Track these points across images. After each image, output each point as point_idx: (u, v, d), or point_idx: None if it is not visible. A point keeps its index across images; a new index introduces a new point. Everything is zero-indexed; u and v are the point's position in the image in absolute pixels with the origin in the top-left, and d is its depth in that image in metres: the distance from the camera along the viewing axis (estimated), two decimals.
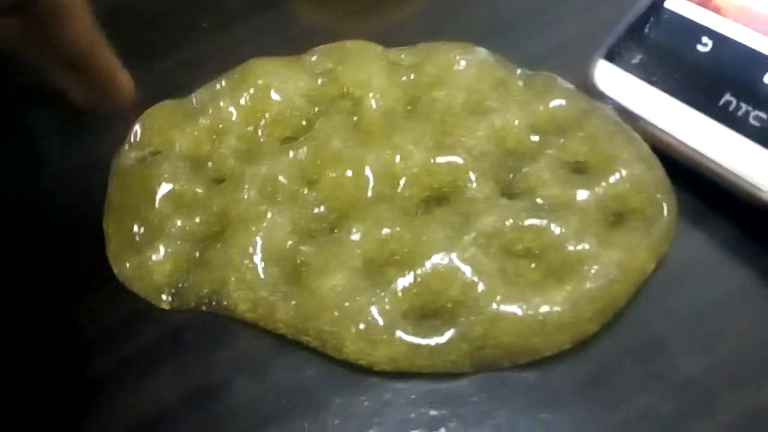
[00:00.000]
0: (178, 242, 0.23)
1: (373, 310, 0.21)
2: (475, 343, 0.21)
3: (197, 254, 0.23)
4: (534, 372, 0.21)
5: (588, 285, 0.21)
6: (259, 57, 0.28)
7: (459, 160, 0.24)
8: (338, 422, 0.21)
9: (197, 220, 0.24)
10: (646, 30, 0.27)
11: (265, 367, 0.22)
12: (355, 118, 0.26)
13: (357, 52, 0.28)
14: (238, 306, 0.22)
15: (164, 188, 0.24)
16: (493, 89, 0.26)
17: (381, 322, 0.21)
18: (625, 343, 0.22)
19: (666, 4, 0.27)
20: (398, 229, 0.23)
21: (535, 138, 0.25)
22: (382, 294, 0.22)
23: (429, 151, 0.24)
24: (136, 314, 0.23)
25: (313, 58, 0.28)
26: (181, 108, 0.27)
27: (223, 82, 0.27)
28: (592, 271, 0.22)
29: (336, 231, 0.23)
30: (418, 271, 0.22)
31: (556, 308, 0.21)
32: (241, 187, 0.24)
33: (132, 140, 0.26)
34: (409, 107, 0.26)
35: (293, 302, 0.22)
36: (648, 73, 0.26)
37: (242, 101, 0.27)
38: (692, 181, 0.24)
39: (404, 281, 0.22)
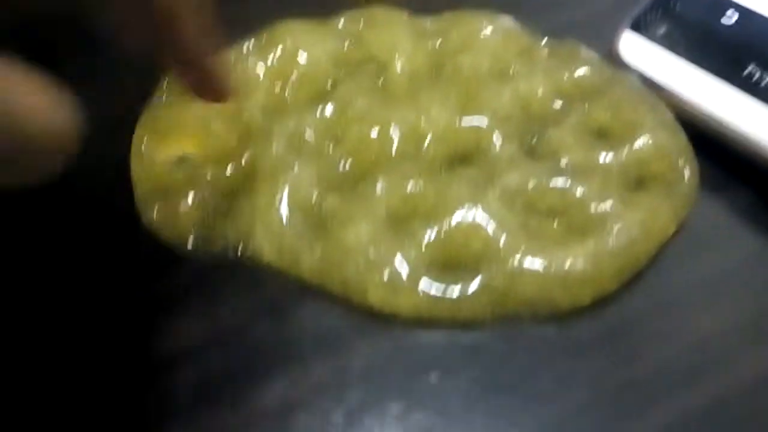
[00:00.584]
0: (206, 190, 0.24)
1: (397, 260, 0.22)
2: (497, 295, 0.21)
3: (224, 203, 0.24)
4: (553, 325, 0.22)
5: (610, 242, 0.22)
6: (287, 19, 0.28)
7: (483, 122, 0.25)
8: (360, 365, 0.21)
9: (225, 169, 0.24)
10: (672, 1, 0.27)
11: (289, 312, 0.22)
12: (381, 81, 0.26)
13: (384, 17, 0.28)
14: (264, 253, 0.23)
15: (193, 137, 0.24)
16: (518, 56, 0.27)
17: (404, 271, 0.22)
18: (644, 302, 0.22)
19: None
20: (422, 184, 0.23)
21: (558, 104, 0.25)
22: (407, 245, 0.22)
23: (454, 113, 0.25)
24: (163, 259, 0.23)
25: (341, 23, 0.28)
26: None
27: (251, 43, 0.28)
28: (615, 229, 0.22)
29: (360, 185, 0.23)
30: (442, 224, 0.22)
31: (579, 263, 0.21)
32: (270, 139, 0.24)
33: (161, 92, 0.26)
34: (433, 72, 0.27)
35: (318, 251, 0.22)
36: (673, 44, 0.26)
37: (269, 62, 0.27)
38: (714, 149, 0.25)
39: (428, 233, 0.22)
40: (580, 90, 0.26)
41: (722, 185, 0.24)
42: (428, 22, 0.28)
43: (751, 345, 0.21)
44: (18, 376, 0.21)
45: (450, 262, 0.22)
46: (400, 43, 0.27)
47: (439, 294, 0.21)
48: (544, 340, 0.21)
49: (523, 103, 0.25)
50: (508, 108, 0.25)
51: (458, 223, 0.22)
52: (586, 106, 0.25)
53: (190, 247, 0.23)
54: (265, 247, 0.23)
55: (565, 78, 0.26)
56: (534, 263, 0.21)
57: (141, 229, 0.24)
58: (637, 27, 0.27)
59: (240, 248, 0.23)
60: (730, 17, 0.26)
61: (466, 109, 0.25)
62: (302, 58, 0.27)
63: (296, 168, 0.24)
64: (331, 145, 0.24)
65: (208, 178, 0.24)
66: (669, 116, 0.25)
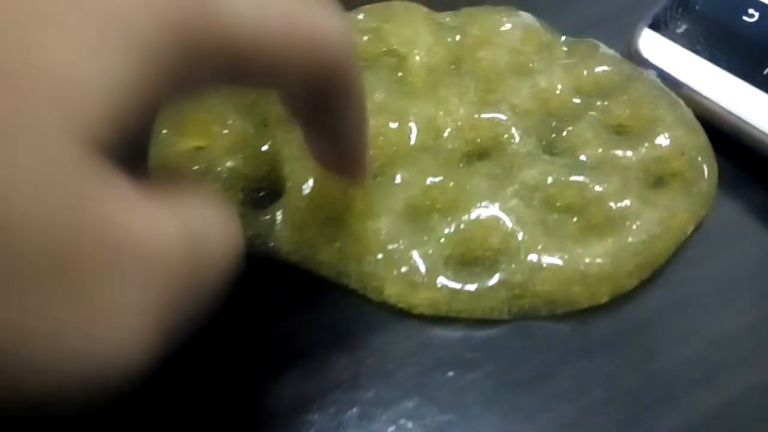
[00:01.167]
0: (224, 182, 0.24)
1: (415, 254, 0.22)
2: (515, 291, 0.21)
3: (242, 194, 0.24)
4: (571, 323, 0.22)
5: (630, 239, 0.22)
6: None
7: (503, 116, 0.24)
8: (374, 360, 0.21)
9: (244, 161, 0.24)
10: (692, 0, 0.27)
11: (304, 305, 0.22)
12: (400, 74, 0.26)
13: (403, 11, 0.28)
14: (283, 246, 0.23)
15: (212, 126, 0.24)
16: (537, 52, 0.27)
17: (422, 266, 0.22)
18: (663, 300, 0.22)
19: None
20: (441, 178, 0.23)
21: (577, 100, 0.25)
22: (425, 239, 0.22)
23: (473, 106, 0.25)
24: None
25: (360, 16, 0.28)
26: None
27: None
28: (635, 226, 0.22)
29: (379, 177, 0.23)
30: (461, 219, 0.22)
31: (598, 260, 0.21)
32: (289, 132, 0.24)
33: None
34: (453, 66, 0.27)
35: (337, 244, 0.22)
36: (693, 42, 0.26)
37: None
38: (733, 148, 0.24)
39: (447, 228, 0.22)
40: (599, 87, 0.26)
41: (741, 184, 0.24)
42: (447, 18, 0.28)
43: None
44: None
45: (468, 258, 0.22)
46: (419, 37, 0.27)
47: (456, 289, 0.21)
48: (561, 337, 0.21)
49: (542, 99, 0.25)
50: (527, 103, 0.25)
51: (477, 219, 0.22)
52: (606, 103, 0.25)
53: None
54: (283, 240, 0.23)
55: (584, 75, 0.26)
56: (552, 260, 0.21)
57: None
58: (657, 25, 0.27)
59: (257, 240, 0.23)
60: (752, 15, 0.26)
61: (485, 103, 0.25)
62: None
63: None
64: None
65: (226, 169, 0.24)
66: (688, 113, 0.24)
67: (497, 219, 0.22)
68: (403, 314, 0.22)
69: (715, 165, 0.24)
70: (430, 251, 0.22)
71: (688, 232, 0.23)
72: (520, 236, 0.22)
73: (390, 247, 0.22)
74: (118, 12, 0.13)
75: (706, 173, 0.23)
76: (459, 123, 0.24)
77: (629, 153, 0.23)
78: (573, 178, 0.23)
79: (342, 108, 0.18)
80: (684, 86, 0.25)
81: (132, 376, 0.13)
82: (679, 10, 0.27)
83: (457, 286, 0.21)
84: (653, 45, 0.26)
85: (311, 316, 0.22)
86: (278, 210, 0.23)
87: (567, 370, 0.21)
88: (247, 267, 0.23)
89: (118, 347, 0.13)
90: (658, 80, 0.26)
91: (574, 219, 0.22)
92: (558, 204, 0.23)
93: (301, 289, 0.23)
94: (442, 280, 0.21)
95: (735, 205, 0.24)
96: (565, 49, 0.27)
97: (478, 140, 0.24)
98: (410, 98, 0.25)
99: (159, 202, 0.14)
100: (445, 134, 0.24)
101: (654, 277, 0.22)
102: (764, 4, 0.26)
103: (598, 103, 0.25)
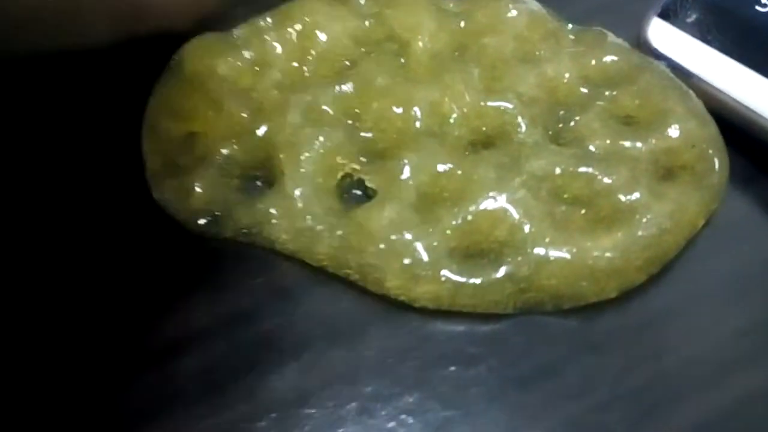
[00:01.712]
0: (219, 168, 0.23)
1: (419, 245, 0.21)
2: (520, 285, 0.21)
3: (238, 181, 0.23)
4: (578, 318, 0.21)
5: (640, 233, 0.21)
6: None
7: (509, 105, 0.24)
8: (373, 354, 0.20)
9: (239, 147, 0.23)
10: None
11: (301, 297, 0.22)
12: (403, 60, 0.25)
13: None
14: (281, 235, 0.22)
15: (206, 110, 0.24)
16: (544, 40, 0.26)
17: (426, 258, 0.21)
18: (672, 296, 0.21)
19: None
20: (451, 165, 0.22)
21: (585, 90, 0.25)
22: (430, 230, 0.21)
23: (479, 93, 0.24)
24: (172, 238, 0.23)
25: (362, 1, 0.28)
26: (222, 41, 0.27)
27: (268, 19, 0.27)
28: (644, 219, 0.21)
29: (382, 166, 0.23)
30: (468, 210, 0.21)
31: (607, 254, 0.21)
32: (285, 117, 0.23)
33: (171, 68, 0.25)
34: (457, 53, 0.26)
35: (339, 233, 0.21)
36: (703, 32, 0.25)
37: (287, 38, 0.26)
38: (744, 142, 0.24)
39: (453, 219, 0.21)
40: (608, 77, 0.25)
41: (753, 178, 0.23)
42: (451, 4, 0.28)
43: None
44: (19, 359, 0.20)
45: (473, 250, 0.21)
46: (422, 22, 0.26)
47: (460, 283, 0.21)
48: (567, 332, 0.21)
49: (549, 88, 0.24)
50: (534, 91, 0.24)
51: (483, 210, 0.21)
52: (614, 93, 0.24)
53: (200, 225, 0.23)
54: (280, 229, 0.22)
55: (592, 64, 0.25)
56: (560, 253, 0.21)
57: (152, 207, 0.23)
58: (666, 14, 0.26)
59: (253, 229, 0.22)
60: (765, 5, 0.25)
61: (491, 90, 0.24)
62: (322, 34, 0.26)
63: (317, 141, 0.23)
64: (350, 122, 0.24)
65: (221, 155, 0.23)
66: (699, 105, 0.24)
67: (504, 210, 0.21)
68: (404, 307, 0.21)
69: (727, 158, 0.23)
70: (435, 243, 0.21)
71: (699, 226, 0.22)
72: (526, 228, 0.21)
73: (394, 237, 0.21)
74: None
75: (717, 166, 0.23)
76: (465, 110, 0.24)
77: (638, 144, 0.23)
78: (581, 169, 0.22)
79: None
80: (694, 77, 0.25)
81: None
82: None
83: (461, 279, 0.21)
84: (663, 34, 0.26)
85: (309, 308, 0.21)
86: (275, 198, 0.22)
87: (573, 366, 0.20)
88: (243, 257, 0.22)
89: None
90: (667, 70, 0.25)
91: (582, 211, 0.22)
92: (566, 196, 0.22)
93: (298, 279, 0.22)
94: (446, 273, 0.21)
95: (746, 198, 0.23)
96: (573, 37, 0.26)
97: (484, 128, 0.24)
98: (414, 83, 0.24)
99: None
100: (451, 120, 0.23)
101: (663, 271, 0.21)
102: None
103: (607, 93, 0.24)
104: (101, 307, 0.21)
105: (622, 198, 0.22)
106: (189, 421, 0.19)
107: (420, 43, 0.26)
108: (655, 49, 0.26)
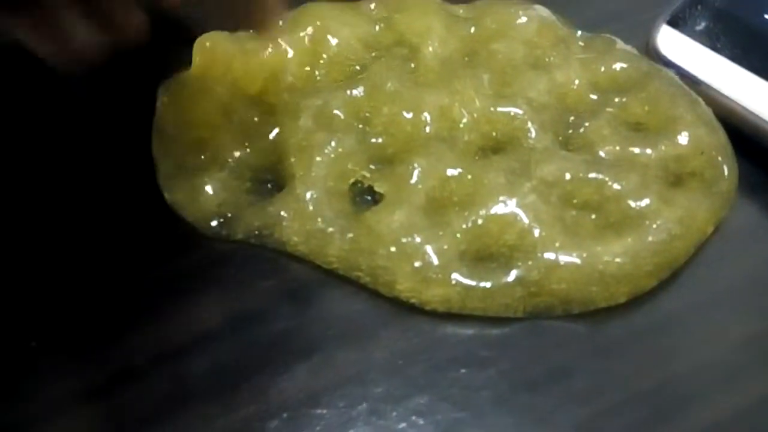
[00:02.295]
0: (232, 169, 0.23)
1: (430, 248, 0.21)
2: (530, 289, 0.21)
3: (249, 184, 0.23)
4: (587, 322, 0.21)
5: (650, 238, 0.21)
6: (318, 1, 0.28)
7: (519, 110, 0.24)
8: (385, 356, 0.21)
9: (250, 150, 0.23)
10: None
11: (312, 299, 0.22)
12: (413, 65, 0.25)
13: (415, 2, 0.28)
14: (292, 237, 0.22)
15: (217, 114, 0.24)
16: (554, 46, 0.26)
17: (437, 261, 0.21)
18: (681, 301, 0.21)
19: None
20: (460, 170, 0.22)
21: (594, 96, 0.25)
22: (441, 234, 0.21)
23: (489, 99, 0.24)
24: (184, 240, 0.23)
25: (372, 6, 0.28)
26: (234, 42, 0.27)
27: (280, 23, 0.27)
28: (654, 225, 0.21)
29: (393, 170, 0.23)
30: (478, 214, 0.21)
31: (617, 259, 0.21)
32: (296, 121, 0.23)
33: (183, 68, 0.26)
34: (466, 58, 0.26)
35: (350, 235, 0.21)
36: (712, 40, 0.25)
37: (298, 42, 0.26)
38: (753, 149, 0.24)
39: (463, 222, 0.21)
40: (617, 83, 0.25)
41: (761, 184, 0.24)
42: (461, 10, 0.28)
43: None
44: (30, 359, 0.21)
45: (484, 252, 0.21)
46: (432, 27, 0.26)
47: (470, 286, 0.21)
48: (577, 337, 0.21)
49: (558, 94, 0.25)
50: (544, 97, 0.24)
51: (493, 214, 0.21)
52: (623, 99, 0.24)
53: (212, 227, 0.23)
54: (291, 231, 0.22)
55: (601, 70, 0.25)
56: (570, 258, 0.21)
57: (164, 208, 0.23)
58: (675, 22, 0.26)
59: (264, 231, 0.22)
60: None
61: (501, 96, 0.24)
62: (333, 39, 0.26)
63: (329, 145, 0.23)
64: (360, 126, 0.24)
65: (233, 158, 0.23)
66: (708, 112, 0.24)
67: (514, 215, 0.21)
68: (414, 310, 0.21)
69: (736, 165, 0.23)
70: (446, 246, 0.21)
71: (708, 233, 0.22)
72: (537, 233, 0.21)
73: (405, 240, 0.21)
74: None
75: (726, 173, 0.23)
76: (475, 115, 0.24)
77: (648, 151, 0.23)
78: (591, 174, 0.22)
79: None
80: (703, 84, 0.25)
81: None
82: (699, 7, 0.26)
83: (472, 282, 0.21)
84: (672, 42, 0.26)
85: (320, 310, 0.21)
86: (286, 200, 0.23)
87: (582, 370, 0.20)
88: (254, 259, 0.22)
89: None
90: (676, 78, 0.25)
91: (592, 216, 0.22)
92: (575, 201, 0.22)
93: (309, 281, 0.22)
94: (456, 276, 0.21)
95: (755, 205, 0.23)
96: (582, 44, 0.26)
97: (494, 134, 0.24)
98: (423, 88, 0.24)
99: None
100: (461, 125, 0.24)
101: (673, 277, 0.21)
102: None
103: (616, 100, 0.24)
104: (114, 307, 0.21)
105: (632, 204, 0.22)
106: (201, 420, 0.19)
107: (430, 48, 0.26)
108: (664, 57, 0.26)
